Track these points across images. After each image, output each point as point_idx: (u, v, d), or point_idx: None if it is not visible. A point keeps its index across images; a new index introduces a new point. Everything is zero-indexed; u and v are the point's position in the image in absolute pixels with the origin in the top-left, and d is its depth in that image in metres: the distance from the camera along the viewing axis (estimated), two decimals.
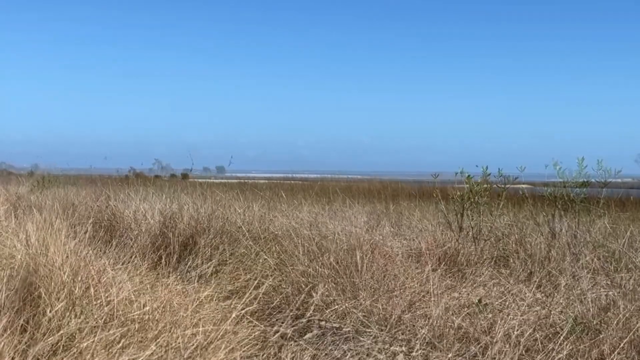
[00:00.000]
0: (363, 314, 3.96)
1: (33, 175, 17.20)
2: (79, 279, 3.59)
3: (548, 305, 3.71)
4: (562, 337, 3.29)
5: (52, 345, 3.08)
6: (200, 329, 3.17)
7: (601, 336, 3.34)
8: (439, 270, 5.22)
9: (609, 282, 4.13)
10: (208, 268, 5.39)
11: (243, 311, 3.41)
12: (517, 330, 3.36)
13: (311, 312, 4.07)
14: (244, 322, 3.62)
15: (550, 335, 3.47)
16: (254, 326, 3.70)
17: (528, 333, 3.38)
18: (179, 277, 4.68)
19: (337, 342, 3.73)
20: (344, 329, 3.82)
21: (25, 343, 2.99)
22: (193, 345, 3.05)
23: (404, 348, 3.57)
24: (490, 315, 3.88)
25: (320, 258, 4.62)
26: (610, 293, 3.70)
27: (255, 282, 4.09)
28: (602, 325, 3.38)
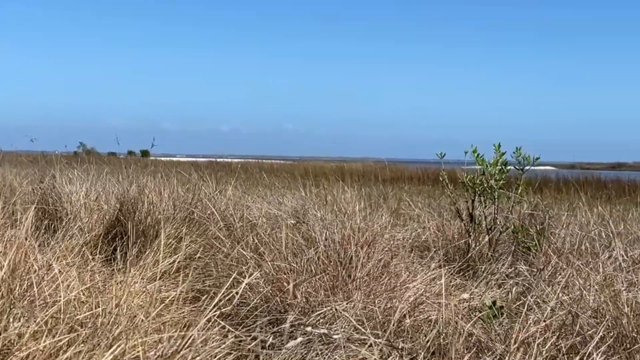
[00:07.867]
0: (356, 317, 3.95)
1: None
2: (19, 274, 3.55)
3: (574, 308, 3.71)
4: (591, 347, 3.28)
5: None
6: (165, 335, 3.14)
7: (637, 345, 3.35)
8: (447, 266, 5.23)
9: None
10: (173, 263, 5.35)
11: (214, 314, 3.38)
12: (539, 337, 3.35)
13: (295, 315, 4.05)
14: (215, 327, 3.59)
15: (577, 344, 3.47)
16: (227, 332, 3.67)
17: (551, 342, 3.38)
18: (138, 273, 4.64)
19: (325, 351, 3.72)
20: (333, 336, 3.81)
21: None
22: (155, 355, 3.02)
23: (404, 358, 3.56)
24: (506, 320, 3.88)
25: (307, 251, 4.60)
26: None
27: (230, 279, 4.06)
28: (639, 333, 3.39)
